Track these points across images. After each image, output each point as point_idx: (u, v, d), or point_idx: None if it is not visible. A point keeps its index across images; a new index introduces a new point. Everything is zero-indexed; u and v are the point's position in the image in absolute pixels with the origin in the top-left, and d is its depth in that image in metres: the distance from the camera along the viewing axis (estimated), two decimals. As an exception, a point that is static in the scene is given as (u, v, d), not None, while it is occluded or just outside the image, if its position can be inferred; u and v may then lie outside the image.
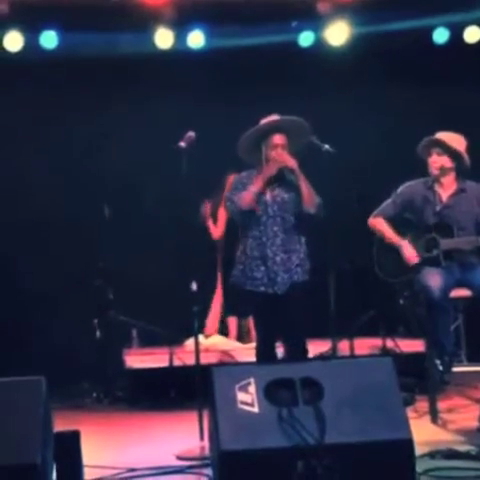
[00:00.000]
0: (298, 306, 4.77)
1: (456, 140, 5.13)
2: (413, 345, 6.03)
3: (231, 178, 6.81)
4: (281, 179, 4.84)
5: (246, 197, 4.76)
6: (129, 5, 6.50)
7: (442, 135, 5.15)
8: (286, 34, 7.02)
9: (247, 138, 4.83)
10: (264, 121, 4.86)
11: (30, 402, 3.25)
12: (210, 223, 6.87)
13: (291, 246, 4.80)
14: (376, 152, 7.09)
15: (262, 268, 4.77)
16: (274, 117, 4.88)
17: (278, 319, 4.78)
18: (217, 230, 6.84)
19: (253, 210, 4.78)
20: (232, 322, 6.91)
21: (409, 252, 5.11)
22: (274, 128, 4.82)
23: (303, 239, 4.86)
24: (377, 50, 6.90)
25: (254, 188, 4.77)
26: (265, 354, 4.85)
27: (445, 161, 5.12)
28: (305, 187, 4.75)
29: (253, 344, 6.63)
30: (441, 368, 5.05)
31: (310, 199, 4.75)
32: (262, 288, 4.78)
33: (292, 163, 4.76)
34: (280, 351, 5.11)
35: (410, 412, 4.61)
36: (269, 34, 6.85)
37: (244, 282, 4.83)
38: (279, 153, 4.77)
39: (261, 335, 4.95)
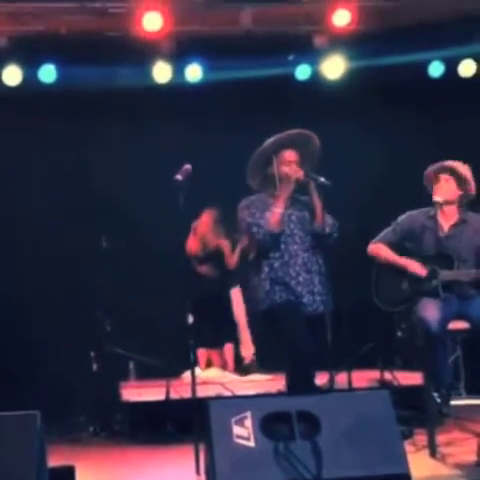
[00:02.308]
0: (321, 337, 4.58)
1: (464, 168, 5.14)
2: (411, 378, 5.99)
3: (206, 214, 6.89)
4: (294, 197, 4.74)
5: (274, 219, 4.61)
6: (127, 39, 6.57)
7: (451, 163, 5.15)
8: (283, 67, 7.09)
9: (257, 158, 4.73)
10: (275, 137, 4.73)
11: (24, 437, 3.22)
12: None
13: (312, 266, 4.68)
14: (374, 184, 7.13)
15: (288, 289, 4.62)
16: (286, 132, 4.76)
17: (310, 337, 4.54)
18: (233, 259, 6.84)
19: (283, 231, 4.66)
20: (228, 351, 6.91)
21: (416, 266, 5.07)
22: (285, 144, 4.73)
23: (321, 260, 4.72)
24: (373, 84, 6.97)
25: (278, 209, 4.63)
26: (301, 376, 4.50)
27: (453, 189, 5.11)
28: (318, 204, 4.61)
29: (250, 377, 6.66)
30: (439, 401, 5.01)
31: (321, 217, 4.60)
32: (292, 297, 4.62)
33: (305, 177, 4.65)
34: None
35: (408, 446, 4.55)
36: (266, 67, 6.91)
37: (273, 298, 4.65)
38: (293, 169, 4.67)
39: (296, 351, 4.52)
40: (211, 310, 6.58)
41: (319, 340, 4.61)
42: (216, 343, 6.91)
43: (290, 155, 4.72)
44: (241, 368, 6.90)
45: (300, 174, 4.67)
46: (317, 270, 4.70)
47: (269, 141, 4.73)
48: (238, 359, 6.97)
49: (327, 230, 4.65)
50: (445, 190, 5.09)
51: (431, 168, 5.16)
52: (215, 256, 6.92)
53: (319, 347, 4.62)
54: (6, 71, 6.66)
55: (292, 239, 4.70)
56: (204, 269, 6.92)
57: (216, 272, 6.93)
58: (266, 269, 4.72)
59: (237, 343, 6.98)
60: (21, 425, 3.28)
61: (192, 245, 6.91)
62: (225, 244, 6.90)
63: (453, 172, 5.07)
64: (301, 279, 4.65)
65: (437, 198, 5.07)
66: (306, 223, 4.73)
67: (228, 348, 6.92)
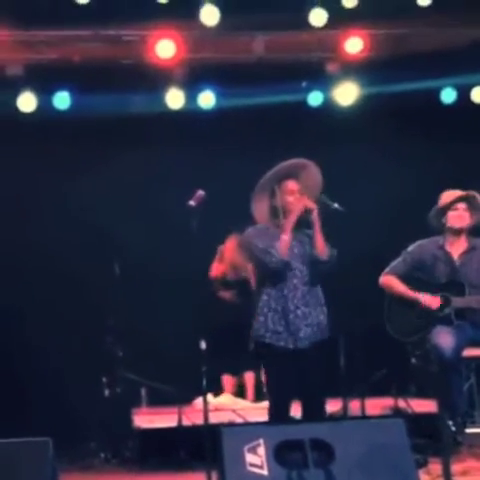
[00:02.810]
0: (319, 365, 4.64)
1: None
2: (425, 405, 5.94)
3: (231, 239, 6.85)
4: (296, 229, 4.74)
5: (283, 246, 4.63)
6: (141, 66, 6.63)
7: (471, 192, 5.19)
8: (295, 94, 7.11)
9: (260, 189, 4.76)
10: (275, 168, 4.77)
11: (37, 464, 3.21)
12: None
13: (311, 299, 4.68)
14: (386, 209, 7.12)
15: (283, 322, 4.64)
16: (287, 162, 4.78)
17: (295, 377, 4.62)
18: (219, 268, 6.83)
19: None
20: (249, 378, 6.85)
21: (428, 299, 5.07)
22: (286, 174, 4.75)
23: (321, 292, 4.75)
24: (385, 110, 6.98)
25: (286, 236, 4.65)
26: (278, 416, 4.62)
27: (467, 218, 5.16)
28: (319, 232, 4.65)
29: (262, 403, 6.61)
30: (454, 429, 4.97)
31: (322, 245, 4.66)
32: (282, 343, 4.64)
33: (312, 205, 4.67)
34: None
35: (423, 475, 4.50)
36: (279, 94, 6.94)
37: (264, 334, 4.69)
38: (298, 198, 4.69)
39: (275, 395, 4.73)
40: (230, 336, 6.55)
41: (318, 371, 4.63)
42: (234, 370, 6.85)
43: (292, 185, 4.74)
44: (261, 395, 6.83)
45: (312, 205, 4.67)
46: (316, 302, 4.71)
47: (270, 173, 4.76)
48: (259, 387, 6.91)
49: (325, 258, 4.68)
50: (463, 218, 5.15)
51: (449, 197, 5.18)
52: (245, 281, 6.89)
53: (321, 374, 4.63)
54: (21, 98, 6.70)
55: (293, 273, 4.70)
56: (228, 295, 6.88)
57: (240, 298, 6.86)
58: (265, 297, 4.74)
59: (258, 371, 6.90)
60: (33, 452, 3.27)
61: (218, 270, 6.90)
62: (251, 268, 6.87)
63: (471, 202, 5.12)
64: (299, 313, 4.66)
65: (456, 224, 5.12)
66: (306, 256, 4.74)
67: (249, 377, 6.84)
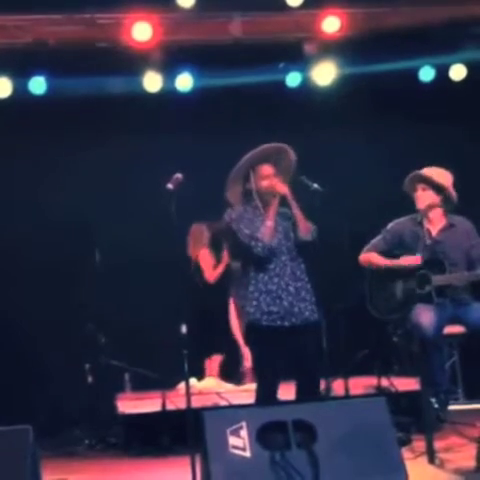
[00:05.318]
0: (313, 344, 4.65)
1: (441, 175, 5.16)
2: (408, 383, 5.97)
3: (195, 228, 6.88)
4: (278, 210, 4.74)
5: (268, 232, 4.64)
6: (117, 50, 6.56)
7: (427, 170, 5.19)
8: (274, 75, 7.09)
9: (235, 174, 4.75)
10: (250, 153, 4.75)
11: (17, 452, 3.18)
12: (209, 266, 6.86)
13: (300, 275, 4.69)
14: (365, 189, 7.12)
15: (277, 301, 4.62)
16: (261, 147, 4.77)
17: (290, 357, 4.60)
18: (214, 273, 6.84)
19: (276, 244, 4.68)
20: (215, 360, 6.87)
21: (409, 259, 5.08)
22: (261, 159, 4.75)
23: (305, 268, 4.73)
24: (363, 90, 6.97)
25: (270, 222, 4.66)
26: (266, 399, 4.56)
27: (431, 196, 5.15)
28: (299, 214, 4.67)
29: (246, 386, 6.62)
30: (437, 406, 4.99)
31: (305, 226, 4.67)
32: (279, 322, 4.62)
33: (285, 190, 4.67)
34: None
35: (406, 452, 4.53)
36: (257, 75, 6.91)
37: (260, 318, 4.65)
38: (272, 181, 4.68)
39: (264, 377, 4.68)
40: (204, 319, 6.58)
41: (314, 348, 4.61)
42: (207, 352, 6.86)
43: (266, 169, 4.74)
44: (236, 377, 6.84)
45: (284, 189, 4.67)
46: (304, 278, 4.71)
47: (244, 158, 4.75)
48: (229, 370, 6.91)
49: (309, 238, 4.69)
50: (425, 198, 5.16)
51: (408, 178, 5.20)
52: (197, 269, 6.92)
53: (315, 354, 4.61)
54: (-4, 83, 6.65)
55: (280, 250, 4.71)
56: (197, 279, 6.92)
57: (201, 283, 6.91)
58: (253, 282, 4.71)
59: (227, 354, 6.89)
60: (13, 440, 3.24)
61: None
62: (201, 255, 6.87)
63: (427, 181, 5.12)
64: (291, 289, 4.65)
65: (419, 206, 5.14)
66: (290, 233, 4.75)
67: (214, 359, 6.85)
